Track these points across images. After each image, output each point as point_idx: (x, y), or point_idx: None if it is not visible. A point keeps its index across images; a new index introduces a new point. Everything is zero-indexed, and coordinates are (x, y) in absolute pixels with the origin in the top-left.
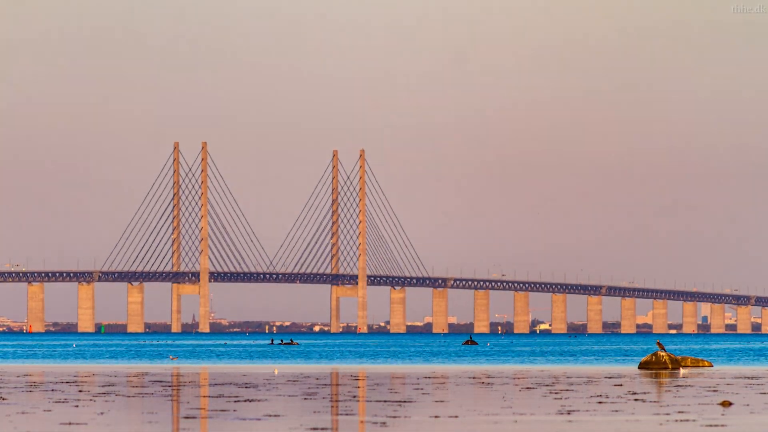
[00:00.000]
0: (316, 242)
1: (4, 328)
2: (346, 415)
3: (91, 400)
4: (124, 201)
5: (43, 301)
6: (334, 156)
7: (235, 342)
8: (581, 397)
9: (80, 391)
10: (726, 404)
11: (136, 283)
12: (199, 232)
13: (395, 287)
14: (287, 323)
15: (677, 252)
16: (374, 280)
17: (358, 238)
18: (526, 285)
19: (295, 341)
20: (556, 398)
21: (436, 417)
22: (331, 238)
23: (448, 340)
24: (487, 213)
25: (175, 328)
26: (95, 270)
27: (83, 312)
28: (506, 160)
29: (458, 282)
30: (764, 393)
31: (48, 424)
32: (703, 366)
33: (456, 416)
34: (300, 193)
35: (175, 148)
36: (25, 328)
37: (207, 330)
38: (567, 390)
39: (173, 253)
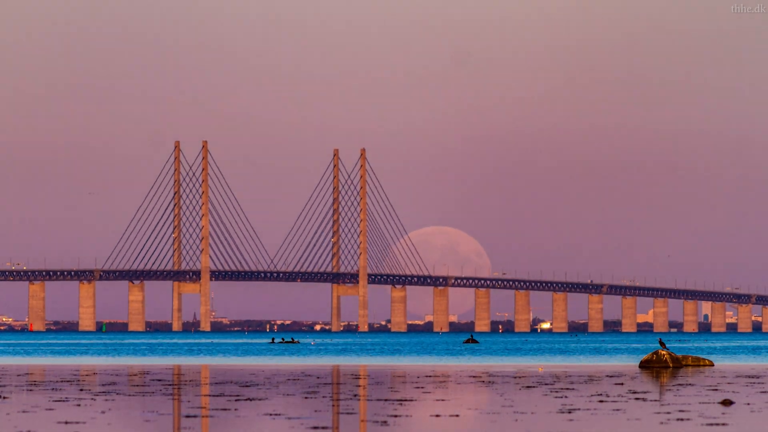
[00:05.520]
0: (316, 241)
1: (5, 327)
2: (347, 413)
3: (92, 399)
4: (125, 200)
5: (44, 299)
6: (334, 155)
7: (222, 341)
8: (582, 395)
9: (81, 390)
10: (727, 403)
11: (137, 282)
12: (199, 231)
13: (396, 286)
14: (288, 322)
15: (678, 251)
16: (375, 278)
17: (358, 236)
18: (527, 284)
19: (296, 340)
20: (557, 397)
21: (437, 416)
22: (332, 236)
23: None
24: (487, 211)
25: (176, 327)
26: (96, 269)
27: (84, 311)
28: (507, 159)
29: (459, 281)
30: (765, 392)
31: (49, 423)
32: (703, 365)
33: (457, 415)
34: (301, 192)
35: (176, 148)
36: (26, 326)
37: (208, 329)
38: (568, 389)
39: (174, 251)
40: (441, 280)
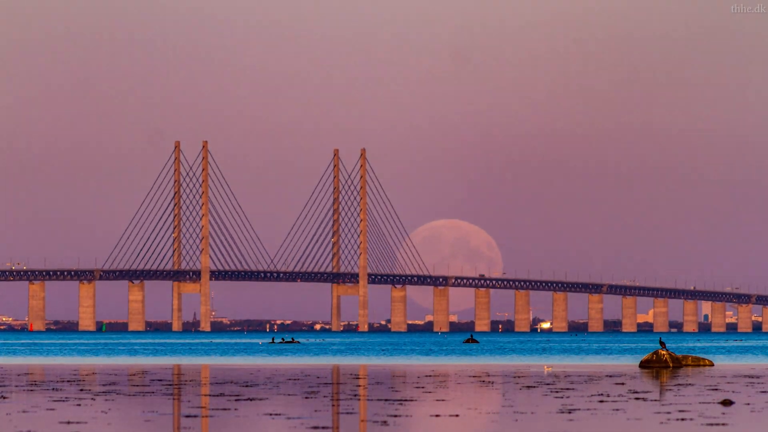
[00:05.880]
0: (316, 241)
1: (5, 327)
2: (347, 413)
3: (92, 398)
4: (125, 200)
5: (44, 299)
6: (334, 155)
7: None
8: (582, 395)
9: (81, 389)
10: (727, 403)
11: (137, 282)
12: (200, 231)
13: (396, 286)
14: (288, 322)
15: (678, 250)
16: (375, 278)
17: (358, 236)
18: (527, 283)
19: (296, 340)
20: (557, 397)
21: (437, 416)
22: (332, 236)
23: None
24: (487, 212)
25: (176, 326)
26: (96, 268)
27: (84, 310)
28: (507, 159)
29: (459, 280)
30: (765, 392)
31: (49, 423)
32: (704, 365)
33: (457, 415)
34: (301, 192)
35: (176, 148)
36: (26, 326)
37: (208, 329)
38: (568, 389)
39: (174, 251)
40: (441, 279)
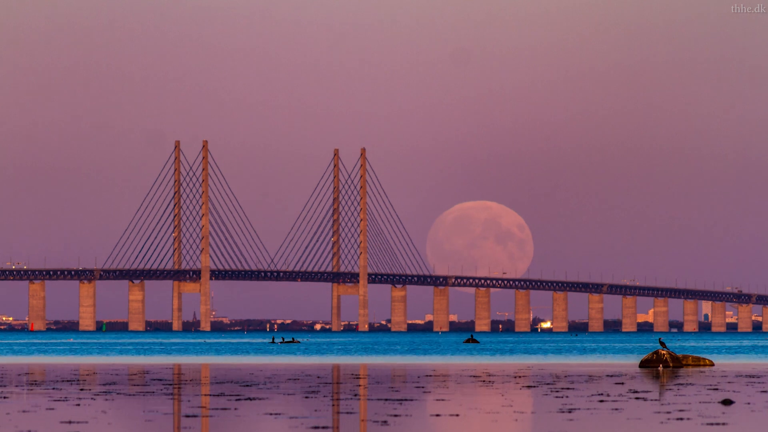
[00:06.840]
0: (317, 240)
1: (5, 327)
2: (347, 413)
3: (92, 398)
4: (126, 199)
5: (45, 299)
6: (335, 155)
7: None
8: (582, 395)
9: (81, 389)
10: (727, 403)
11: (137, 281)
12: (200, 231)
13: (396, 285)
14: (288, 321)
15: (678, 250)
16: (375, 278)
17: (359, 236)
18: (527, 283)
19: (297, 339)
20: (557, 396)
21: (438, 415)
22: (332, 236)
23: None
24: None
25: (176, 326)
26: (96, 268)
27: (84, 310)
28: (507, 158)
29: (459, 280)
30: (765, 391)
31: (49, 423)
32: (704, 365)
33: (457, 415)
34: (301, 192)
35: (176, 147)
36: (26, 326)
37: (208, 329)
38: (568, 388)
39: (174, 251)
40: (441, 279)
